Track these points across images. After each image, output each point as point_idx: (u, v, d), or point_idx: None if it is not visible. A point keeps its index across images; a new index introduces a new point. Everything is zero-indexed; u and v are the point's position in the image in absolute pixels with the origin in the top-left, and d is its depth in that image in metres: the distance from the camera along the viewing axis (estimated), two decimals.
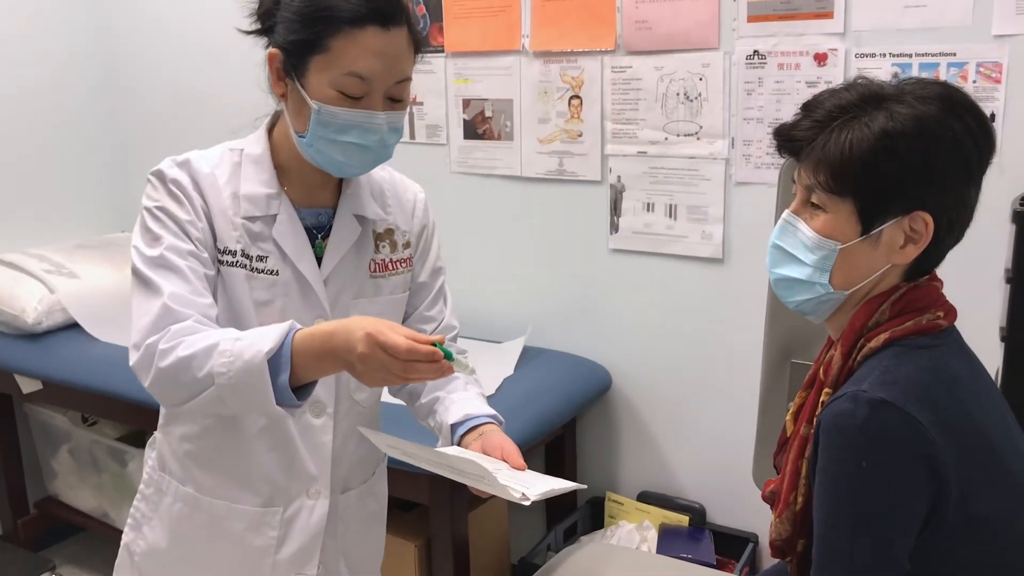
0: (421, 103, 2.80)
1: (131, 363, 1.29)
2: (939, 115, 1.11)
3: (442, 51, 2.72)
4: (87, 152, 3.44)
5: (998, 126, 2.01)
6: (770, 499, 1.27)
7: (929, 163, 1.11)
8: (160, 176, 1.36)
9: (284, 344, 1.21)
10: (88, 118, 3.43)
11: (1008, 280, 1.68)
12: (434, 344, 1.16)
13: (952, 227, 1.16)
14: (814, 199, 1.16)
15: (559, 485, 1.25)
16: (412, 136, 2.84)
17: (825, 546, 1.12)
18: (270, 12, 1.34)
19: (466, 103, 2.73)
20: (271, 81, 1.36)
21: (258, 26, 1.36)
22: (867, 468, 1.06)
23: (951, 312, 1.19)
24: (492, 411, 1.47)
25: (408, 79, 1.34)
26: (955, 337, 1.19)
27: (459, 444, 1.41)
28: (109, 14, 3.41)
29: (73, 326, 2.89)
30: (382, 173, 1.52)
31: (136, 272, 1.32)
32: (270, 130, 1.44)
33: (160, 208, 1.34)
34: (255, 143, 1.42)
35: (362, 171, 1.41)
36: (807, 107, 1.18)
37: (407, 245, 1.52)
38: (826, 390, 1.17)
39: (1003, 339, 1.69)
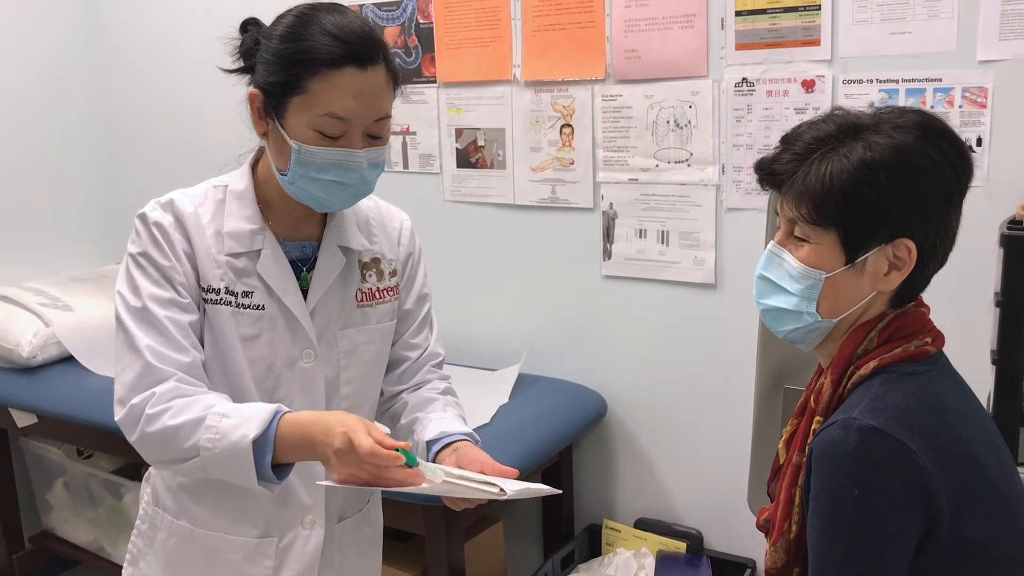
0: (414, 133, 2.82)
1: (116, 418, 1.33)
2: (916, 143, 1.12)
3: (434, 81, 2.75)
4: (81, 184, 3.46)
5: (984, 150, 2.03)
6: (765, 527, 1.27)
7: (909, 191, 1.12)
8: (143, 220, 1.38)
9: (270, 428, 1.26)
10: (82, 150, 3.45)
11: (997, 303, 1.69)
12: (398, 450, 1.19)
13: (935, 253, 1.17)
14: (797, 232, 1.17)
15: (535, 486, 1.27)
16: (406, 165, 2.85)
17: (819, 572, 1.12)
18: (251, 51, 1.36)
19: (459, 132, 2.75)
20: (252, 120, 1.37)
21: (240, 64, 1.38)
22: (859, 496, 1.07)
23: (939, 338, 1.20)
24: (468, 429, 1.48)
25: (387, 116, 1.35)
26: (943, 363, 1.20)
27: (434, 460, 1.41)
28: (103, 47, 3.44)
29: (68, 359, 2.89)
30: (368, 202, 1.53)
31: (119, 320, 1.35)
32: (254, 165, 1.45)
33: (142, 254, 1.36)
34: (239, 179, 1.44)
35: (343, 207, 1.42)
36: (786, 140, 1.19)
37: (393, 273, 1.53)
38: (817, 418, 1.18)
39: (993, 362, 1.70)
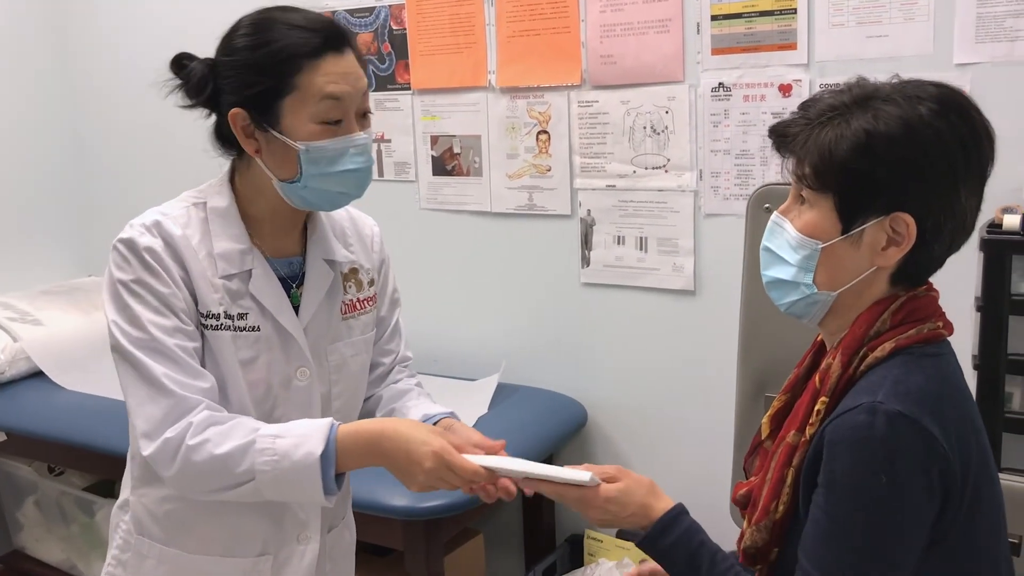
0: (389, 140, 2.79)
1: (146, 453, 1.28)
2: (926, 115, 1.09)
3: (409, 88, 2.72)
4: (51, 197, 3.39)
5: None
6: (742, 503, 1.25)
7: (908, 162, 1.09)
8: (131, 246, 1.31)
9: (330, 441, 1.27)
10: (52, 162, 3.39)
11: (978, 308, 1.68)
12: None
13: (939, 231, 1.12)
14: (803, 192, 1.16)
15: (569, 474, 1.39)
16: (380, 173, 2.82)
17: (830, 559, 1.08)
18: (204, 81, 1.32)
19: (434, 140, 2.72)
20: (240, 140, 1.32)
21: (195, 99, 1.34)
22: (887, 483, 1.04)
23: (949, 324, 1.18)
24: (448, 409, 1.50)
25: (368, 89, 1.37)
26: (951, 350, 1.19)
27: None
28: (75, 58, 3.39)
29: (38, 375, 2.84)
30: (340, 212, 1.51)
31: (122, 351, 1.29)
32: (231, 180, 1.41)
33: (136, 281, 1.30)
34: (218, 196, 1.39)
35: (358, 195, 1.40)
36: (804, 105, 1.18)
37: (371, 282, 1.52)
38: (823, 398, 1.14)
39: (975, 367, 1.69)
